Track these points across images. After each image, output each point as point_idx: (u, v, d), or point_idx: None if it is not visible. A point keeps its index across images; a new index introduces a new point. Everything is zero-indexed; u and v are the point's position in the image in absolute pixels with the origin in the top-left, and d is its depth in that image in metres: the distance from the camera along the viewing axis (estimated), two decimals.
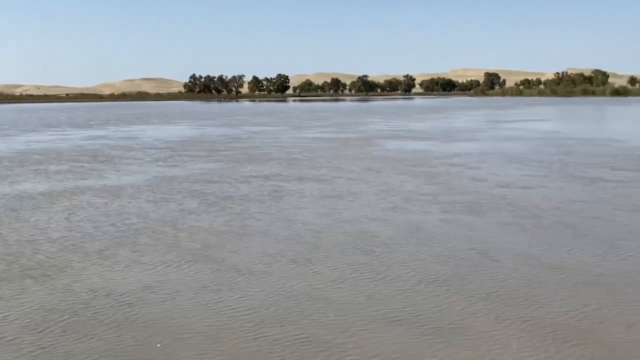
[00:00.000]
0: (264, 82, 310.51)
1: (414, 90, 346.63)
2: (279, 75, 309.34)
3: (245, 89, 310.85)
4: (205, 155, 27.81)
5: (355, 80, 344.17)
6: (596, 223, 12.78)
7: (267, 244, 11.50)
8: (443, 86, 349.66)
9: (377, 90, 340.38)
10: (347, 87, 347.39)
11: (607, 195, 16.05)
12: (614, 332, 7.26)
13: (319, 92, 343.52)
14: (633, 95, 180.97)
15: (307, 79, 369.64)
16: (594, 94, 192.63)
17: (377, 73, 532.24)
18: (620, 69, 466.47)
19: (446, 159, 25.08)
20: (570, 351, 6.77)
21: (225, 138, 39.14)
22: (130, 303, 8.42)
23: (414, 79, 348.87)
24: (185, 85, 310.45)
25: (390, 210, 14.37)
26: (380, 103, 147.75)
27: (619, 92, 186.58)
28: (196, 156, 27.60)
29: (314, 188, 17.86)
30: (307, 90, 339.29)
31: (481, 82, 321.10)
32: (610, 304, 8.13)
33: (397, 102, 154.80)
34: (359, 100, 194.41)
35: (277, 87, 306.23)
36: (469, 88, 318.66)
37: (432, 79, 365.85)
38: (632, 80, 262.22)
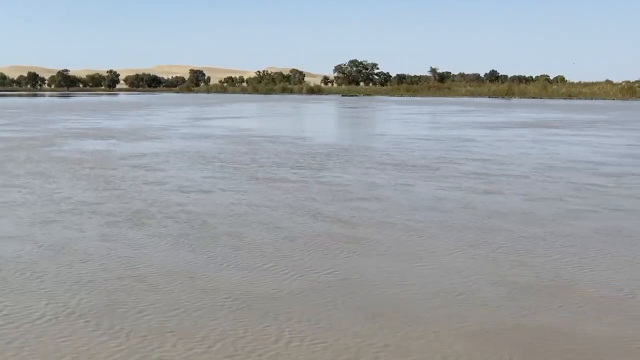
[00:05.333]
0: None
1: (118, 86, 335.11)
2: None
3: None
4: None
5: (55, 74, 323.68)
6: (268, 232, 11.83)
7: None
8: (148, 82, 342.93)
9: (79, 86, 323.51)
10: (47, 81, 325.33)
11: (287, 198, 15.44)
12: None
13: (15, 86, 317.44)
14: (325, 94, 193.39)
15: (1, 73, 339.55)
16: (292, 92, 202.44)
17: (79, 68, 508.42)
18: (314, 70, 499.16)
19: (130, 159, 23.23)
20: None
21: None
22: None
23: (118, 75, 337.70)
24: None
25: (40, 225, 12.22)
26: (82, 99, 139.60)
27: (314, 91, 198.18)
28: None
29: None
30: (2, 84, 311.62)
31: (186, 78, 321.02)
32: (266, 333, 7.14)
33: (101, 98, 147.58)
34: (60, 96, 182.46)
35: None
36: (174, 84, 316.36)
37: (137, 74, 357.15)
38: (325, 79, 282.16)
